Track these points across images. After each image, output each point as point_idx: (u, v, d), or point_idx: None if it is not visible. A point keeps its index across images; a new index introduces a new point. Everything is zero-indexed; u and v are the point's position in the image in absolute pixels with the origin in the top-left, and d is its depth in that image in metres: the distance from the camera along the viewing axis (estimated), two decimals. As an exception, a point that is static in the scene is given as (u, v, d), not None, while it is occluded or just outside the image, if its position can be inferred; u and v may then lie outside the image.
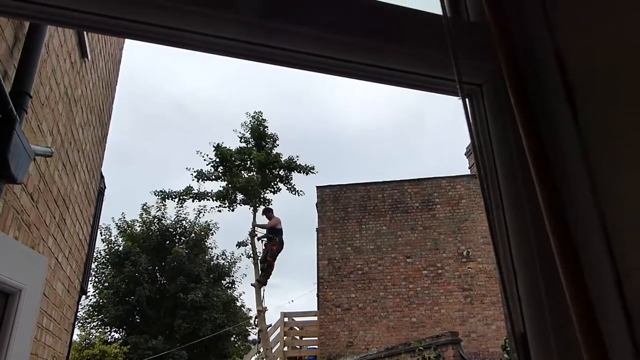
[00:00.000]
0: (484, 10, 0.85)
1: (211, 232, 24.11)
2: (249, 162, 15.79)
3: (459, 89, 0.78)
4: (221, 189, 15.89)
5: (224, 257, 24.49)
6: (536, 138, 0.71)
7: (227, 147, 15.95)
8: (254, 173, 15.84)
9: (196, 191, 16.12)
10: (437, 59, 0.84)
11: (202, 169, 15.88)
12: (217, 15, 0.82)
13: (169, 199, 16.78)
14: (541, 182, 0.67)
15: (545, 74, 0.80)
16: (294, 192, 16.21)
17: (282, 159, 16.00)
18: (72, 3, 0.81)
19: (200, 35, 0.85)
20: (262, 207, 15.73)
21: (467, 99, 0.87)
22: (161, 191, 16.67)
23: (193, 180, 15.94)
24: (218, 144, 15.85)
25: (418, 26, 0.86)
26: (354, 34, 0.82)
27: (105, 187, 7.12)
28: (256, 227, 15.38)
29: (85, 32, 4.47)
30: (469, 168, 17.11)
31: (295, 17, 0.82)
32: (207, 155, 15.88)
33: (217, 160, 15.82)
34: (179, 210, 23.53)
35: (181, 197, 16.37)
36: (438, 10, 0.92)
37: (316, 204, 16.63)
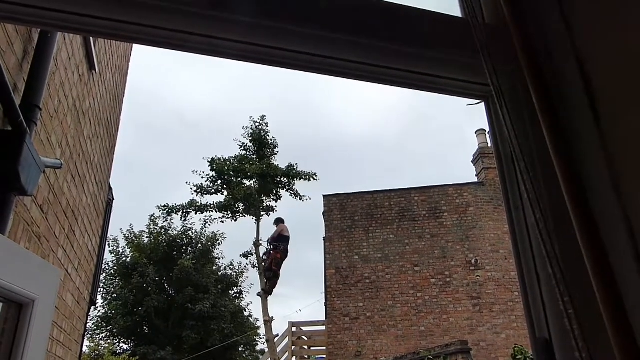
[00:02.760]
0: (500, 12, 0.84)
1: (218, 242, 24.12)
2: (249, 171, 15.76)
3: (494, 91, 0.77)
4: (222, 200, 15.85)
5: (231, 267, 24.50)
6: (560, 137, 0.70)
7: (222, 159, 15.90)
8: (254, 182, 15.80)
9: (199, 203, 16.09)
10: (456, 62, 0.83)
11: (201, 183, 15.86)
12: (222, 17, 0.82)
13: (173, 213, 16.78)
14: (566, 180, 0.67)
15: (565, 74, 0.79)
16: (297, 198, 16.16)
17: (281, 169, 15.94)
18: (79, 8, 0.82)
19: (205, 37, 0.85)
20: (266, 216, 15.74)
21: (484, 101, 0.87)
22: (165, 206, 16.69)
23: (193, 194, 15.92)
24: (212, 158, 15.85)
25: (439, 29, 0.85)
26: (371, 37, 0.82)
27: (113, 199, 7.15)
28: (266, 241, 15.30)
29: (92, 45, 4.50)
30: (476, 175, 17.03)
31: (312, 20, 0.82)
32: (204, 172, 15.88)
33: (214, 175, 15.82)
34: (185, 222, 23.56)
35: (185, 210, 16.35)
36: (449, 12, 0.92)
37: (323, 213, 16.60)
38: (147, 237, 23.29)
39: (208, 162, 15.79)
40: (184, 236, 23.48)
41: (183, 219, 16.98)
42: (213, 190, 15.93)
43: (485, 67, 0.78)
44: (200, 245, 23.59)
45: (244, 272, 24.26)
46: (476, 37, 0.79)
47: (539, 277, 0.77)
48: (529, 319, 0.78)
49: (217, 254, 24.37)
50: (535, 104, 0.73)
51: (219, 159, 15.85)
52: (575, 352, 0.65)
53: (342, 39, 0.82)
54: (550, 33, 0.83)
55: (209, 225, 23.60)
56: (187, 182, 16.18)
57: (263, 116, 16.48)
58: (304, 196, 16.20)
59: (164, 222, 23.39)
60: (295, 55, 0.85)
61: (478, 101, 0.98)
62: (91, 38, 4.44)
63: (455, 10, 0.96)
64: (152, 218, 23.58)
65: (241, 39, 0.85)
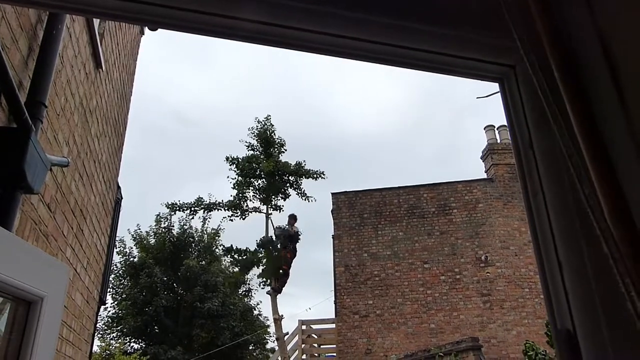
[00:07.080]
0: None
1: (219, 237, 24.35)
2: (258, 170, 15.84)
3: (529, 65, 0.72)
4: (232, 198, 15.91)
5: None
6: (587, 115, 0.66)
7: (237, 158, 16.05)
8: (262, 181, 15.88)
9: (207, 202, 16.19)
10: (475, 40, 0.79)
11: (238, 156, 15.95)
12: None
13: (180, 210, 16.86)
14: (595, 161, 0.62)
15: (586, 52, 0.75)
16: (304, 198, 16.14)
17: (290, 166, 15.97)
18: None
19: (225, 18, 0.81)
20: (275, 214, 15.83)
21: (499, 83, 0.83)
22: (172, 204, 16.74)
23: (235, 188, 15.93)
24: (230, 156, 16.02)
25: (459, 6, 0.81)
26: (389, 15, 0.78)
27: (121, 198, 7.15)
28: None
29: (99, 43, 4.49)
30: (485, 172, 16.91)
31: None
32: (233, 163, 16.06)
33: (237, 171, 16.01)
34: (187, 220, 23.85)
35: (192, 209, 16.41)
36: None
37: (331, 211, 16.57)
38: (153, 237, 23.48)
39: (229, 161, 15.95)
40: (186, 234, 23.68)
41: (191, 217, 17.09)
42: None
43: (518, 43, 0.73)
44: (202, 243, 23.85)
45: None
46: (506, 13, 0.75)
47: (560, 265, 0.73)
48: (550, 309, 0.74)
49: (224, 251, 24.54)
50: (559, 81, 0.69)
51: (236, 158, 16.03)
52: (605, 341, 0.61)
53: (356, 17, 0.78)
54: (569, 8, 0.79)
55: (209, 222, 23.98)
56: (227, 177, 16.31)
57: (268, 116, 16.52)
58: (310, 197, 16.19)
59: (166, 222, 23.67)
60: (305, 35, 0.81)
61: (490, 93, 0.93)
62: (97, 36, 4.42)
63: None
64: (158, 218, 23.80)
65: (255, 19, 0.81)
